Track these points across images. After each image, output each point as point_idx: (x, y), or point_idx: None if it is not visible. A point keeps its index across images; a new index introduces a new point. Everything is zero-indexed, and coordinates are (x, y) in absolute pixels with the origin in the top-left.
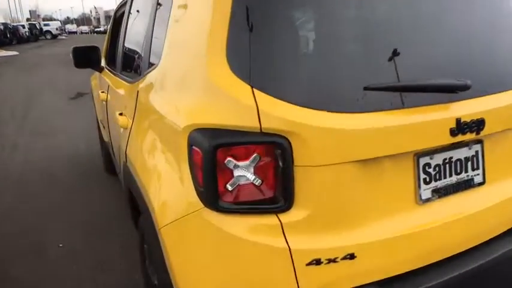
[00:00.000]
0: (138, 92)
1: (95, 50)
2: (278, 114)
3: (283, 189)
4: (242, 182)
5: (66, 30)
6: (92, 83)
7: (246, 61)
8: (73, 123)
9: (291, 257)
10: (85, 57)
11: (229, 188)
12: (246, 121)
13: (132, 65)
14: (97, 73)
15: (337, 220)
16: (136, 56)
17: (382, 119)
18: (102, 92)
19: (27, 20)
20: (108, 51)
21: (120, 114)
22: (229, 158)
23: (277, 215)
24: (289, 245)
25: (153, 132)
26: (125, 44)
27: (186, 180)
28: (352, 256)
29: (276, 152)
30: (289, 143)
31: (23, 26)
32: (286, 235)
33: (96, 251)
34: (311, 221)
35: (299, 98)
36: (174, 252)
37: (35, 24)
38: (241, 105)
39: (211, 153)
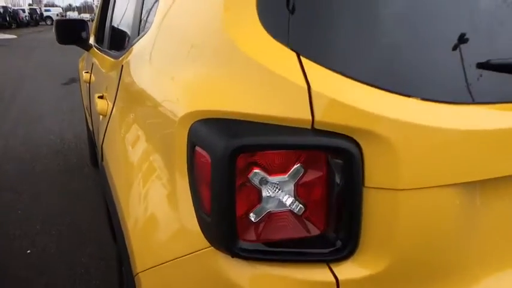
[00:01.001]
0: (122, 67)
1: (81, 24)
2: (344, 100)
3: (343, 224)
4: (275, 208)
5: (67, 17)
6: (79, 65)
7: (288, 15)
8: (61, 109)
9: None
10: (70, 32)
11: (254, 218)
12: (288, 110)
13: (120, 38)
14: (86, 53)
15: (432, 278)
16: (125, 27)
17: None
18: (86, 72)
19: (29, 5)
20: (98, 28)
21: (101, 97)
22: (256, 170)
23: (329, 267)
24: None
25: (136, 123)
26: (113, 15)
27: (182, 201)
28: None
29: (333, 163)
30: (359, 150)
31: (23, 11)
32: None
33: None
34: (387, 278)
35: (379, 76)
36: None
37: (35, 9)
38: (279, 84)
39: (227, 161)
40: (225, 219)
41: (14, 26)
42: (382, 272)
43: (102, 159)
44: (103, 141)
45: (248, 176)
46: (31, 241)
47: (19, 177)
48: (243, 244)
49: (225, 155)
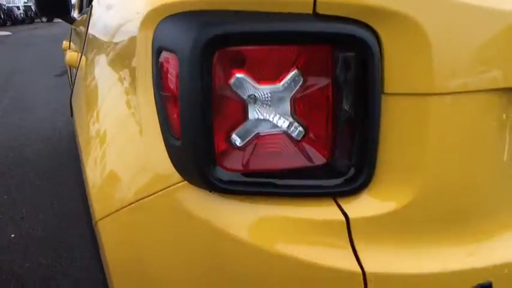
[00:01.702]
0: (89, 15)
1: None
2: None
3: (356, 146)
4: (265, 129)
5: None
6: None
7: None
8: (53, 98)
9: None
10: (52, 1)
11: (238, 141)
12: None
13: None
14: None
15: (466, 215)
16: None
17: None
18: (66, 40)
19: (24, 2)
20: (81, 1)
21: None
22: (238, 74)
23: (337, 202)
24: (363, 265)
25: (99, 64)
26: None
27: (147, 129)
28: None
29: (343, 62)
30: (378, 41)
31: (18, 8)
32: (356, 245)
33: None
34: (408, 217)
35: None
36: (117, 271)
37: (30, 6)
38: None
39: (198, 58)
40: (199, 140)
41: (8, 23)
42: (402, 209)
43: (71, 114)
44: (71, 94)
45: (229, 82)
46: (16, 225)
47: (7, 163)
48: (224, 174)
49: (196, 50)
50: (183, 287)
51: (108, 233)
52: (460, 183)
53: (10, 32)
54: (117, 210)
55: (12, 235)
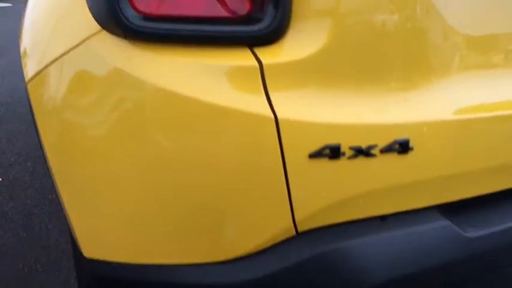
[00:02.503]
0: None
1: None
2: None
3: None
4: None
5: None
6: None
7: None
8: None
9: (279, 138)
10: None
11: None
12: None
13: None
14: None
15: (383, 69)
16: None
17: None
18: None
19: None
20: None
21: None
22: None
23: (253, 51)
24: (276, 111)
25: None
26: None
27: None
28: (404, 147)
29: None
30: None
31: None
32: (269, 90)
33: None
34: (327, 64)
35: None
36: (49, 138)
37: None
38: None
39: None
40: None
41: None
42: (317, 56)
43: None
44: None
45: None
46: (4, 171)
47: None
48: (137, 16)
49: None
50: (109, 143)
51: (36, 96)
52: (373, 32)
53: (11, 3)
54: (40, 71)
55: (0, 179)
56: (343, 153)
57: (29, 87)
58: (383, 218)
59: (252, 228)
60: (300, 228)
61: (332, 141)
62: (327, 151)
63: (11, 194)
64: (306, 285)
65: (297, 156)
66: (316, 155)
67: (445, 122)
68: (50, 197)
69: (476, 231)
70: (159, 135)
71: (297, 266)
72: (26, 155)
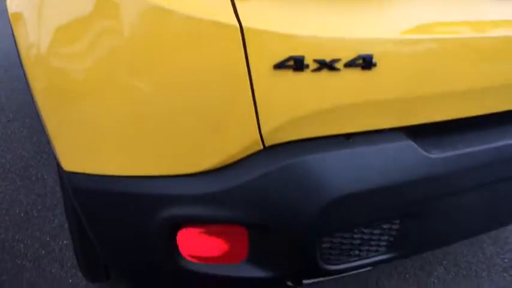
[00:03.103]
0: None
1: None
2: None
3: None
4: None
5: None
6: None
7: None
8: None
9: (244, 48)
10: None
11: None
12: None
13: None
14: None
15: None
16: None
17: None
18: None
19: None
20: None
21: None
22: None
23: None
24: (241, 20)
25: None
26: None
27: None
28: (368, 62)
29: None
30: None
31: None
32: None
33: None
34: None
35: None
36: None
37: None
38: None
39: None
40: None
41: None
42: None
43: None
44: None
45: None
46: (3, 126)
47: None
48: None
49: None
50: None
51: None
52: None
53: None
54: None
55: None
56: (307, 66)
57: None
58: (348, 136)
59: (220, 140)
60: (267, 142)
61: (296, 52)
62: (291, 62)
63: (9, 147)
64: (272, 197)
65: (262, 66)
66: (280, 66)
67: (410, 40)
68: (46, 150)
69: (440, 153)
70: (126, 42)
71: (263, 178)
72: (23, 112)
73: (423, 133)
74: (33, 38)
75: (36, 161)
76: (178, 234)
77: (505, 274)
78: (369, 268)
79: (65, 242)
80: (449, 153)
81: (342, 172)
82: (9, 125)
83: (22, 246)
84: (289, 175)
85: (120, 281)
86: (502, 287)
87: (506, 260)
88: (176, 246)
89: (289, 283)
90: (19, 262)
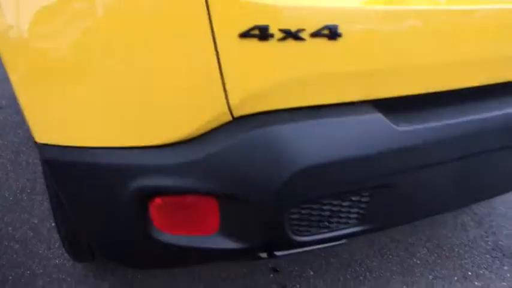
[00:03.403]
0: None
1: None
2: None
3: None
4: None
5: None
6: None
7: None
8: None
9: (209, 16)
10: None
11: None
12: None
13: None
14: None
15: None
16: None
17: None
18: None
19: None
20: None
21: None
22: None
23: None
24: None
25: None
26: None
27: None
28: (333, 33)
29: None
30: None
31: None
32: None
33: None
34: None
35: None
36: None
37: None
38: None
39: None
40: None
41: None
42: None
43: None
44: None
45: None
46: None
47: None
48: None
49: None
50: None
51: None
52: None
53: None
54: None
55: None
56: (272, 35)
57: None
58: (317, 108)
59: (188, 111)
60: (236, 113)
61: (261, 21)
62: (256, 31)
63: (1, 133)
64: (240, 167)
65: (227, 35)
66: (246, 34)
67: (376, 11)
68: None
69: (408, 126)
70: (92, 15)
71: (230, 149)
72: (16, 99)
73: (394, 107)
74: (6, 15)
75: (27, 147)
76: (149, 205)
77: (487, 256)
78: (343, 241)
79: (52, 224)
80: (418, 127)
81: (309, 143)
82: (2, 112)
83: (10, 228)
84: (257, 146)
85: (106, 261)
86: (484, 268)
87: (489, 243)
88: (148, 217)
89: (262, 255)
90: (7, 243)
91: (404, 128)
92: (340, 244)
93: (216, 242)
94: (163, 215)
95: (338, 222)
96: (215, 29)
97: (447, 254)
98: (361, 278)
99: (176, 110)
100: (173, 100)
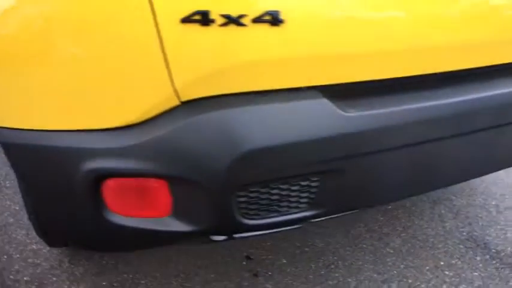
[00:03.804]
0: None
1: None
2: None
3: None
4: None
5: None
6: None
7: None
8: None
9: (150, 1)
10: None
11: None
12: None
13: None
14: None
15: None
16: None
17: None
18: None
19: None
20: None
21: None
22: None
23: None
24: None
25: None
26: None
27: None
28: (275, 18)
29: None
30: None
31: None
32: None
33: None
34: None
35: None
36: None
37: None
38: None
39: None
40: None
41: None
42: None
43: None
44: None
45: None
46: None
47: None
48: None
49: None
50: None
51: None
52: None
53: None
54: None
55: None
56: (214, 20)
57: None
58: (264, 93)
59: (135, 95)
60: (183, 97)
61: (202, 7)
62: (198, 16)
63: None
64: (186, 150)
65: (169, 20)
66: (187, 20)
67: None
68: None
69: (355, 112)
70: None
71: (177, 132)
72: None
73: (344, 94)
74: None
75: None
76: (102, 187)
77: (461, 246)
78: (297, 226)
79: None
80: (366, 113)
81: (252, 127)
82: None
83: None
84: (202, 129)
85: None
86: (457, 258)
87: (464, 234)
88: (103, 199)
89: (215, 238)
90: None
91: (350, 113)
92: (310, 233)
93: (169, 224)
94: (116, 197)
95: (288, 207)
96: (157, 14)
97: (421, 244)
98: (332, 266)
99: (123, 94)
100: (120, 84)
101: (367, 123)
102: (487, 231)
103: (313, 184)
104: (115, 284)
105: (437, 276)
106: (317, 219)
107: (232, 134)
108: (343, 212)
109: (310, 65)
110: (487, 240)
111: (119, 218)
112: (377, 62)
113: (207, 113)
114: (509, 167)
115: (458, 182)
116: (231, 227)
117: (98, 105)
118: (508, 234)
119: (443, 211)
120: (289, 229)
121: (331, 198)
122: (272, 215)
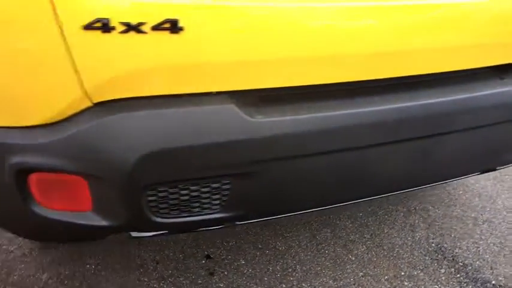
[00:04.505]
0: None
1: None
2: None
3: None
4: None
5: None
6: None
7: None
8: None
9: (54, 9)
10: None
11: None
12: None
13: None
14: None
15: None
16: None
17: None
18: None
19: None
20: None
21: None
22: None
23: None
24: None
25: None
26: None
27: None
28: (174, 26)
29: None
30: None
31: None
32: None
33: None
34: None
35: None
36: None
37: None
38: None
39: None
40: None
41: None
42: None
43: None
44: None
45: None
46: None
47: None
48: None
49: None
50: None
51: None
52: None
53: None
54: None
55: None
56: (114, 28)
57: None
58: (171, 97)
59: (47, 96)
60: (95, 99)
61: (102, 15)
62: (99, 24)
63: None
64: (94, 149)
65: (72, 27)
66: (89, 27)
67: (218, 6)
68: None
69: (263, 118)
70: None
71: (85, 132)
72: None
73: (259, 100)
74: None
75: None
76: (28, 181)
77: (426, 257)
78: (218, 227)
79: None
80: (274, 119)
81: (156, 130)
82: None
83: None
84: (109, 130)
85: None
86: (419, 269)
87: (433, 245)
88: (31, 194)
89: (135, 234)
90: None
91: (257, 119)
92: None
93: (89, 218)
94: (42, 191)
95: (201, 208)
96: (61, 21)
97: (385, 253)
98: (289, 270)
99: (38, 94)
100: (34, 86)
101: (274, 130)
102: (459, 244)
103: (224, 186)
104: (76, 274)
105: (394, 287)
106: (242, 222)
107: (134, 136)
108: (265, 216)
109: (213, 71)
110: (457, 253)
111: (45, 211)
112: (286, 69)
113: (114, 115)
114: (446, 181)
115: (382, 195)
116: (143, 224)
117: (16, 105)
118: (480, 248)
119: (416, 221)
120: (212, 229)
121: (245, 201)
122: (184, 214)
